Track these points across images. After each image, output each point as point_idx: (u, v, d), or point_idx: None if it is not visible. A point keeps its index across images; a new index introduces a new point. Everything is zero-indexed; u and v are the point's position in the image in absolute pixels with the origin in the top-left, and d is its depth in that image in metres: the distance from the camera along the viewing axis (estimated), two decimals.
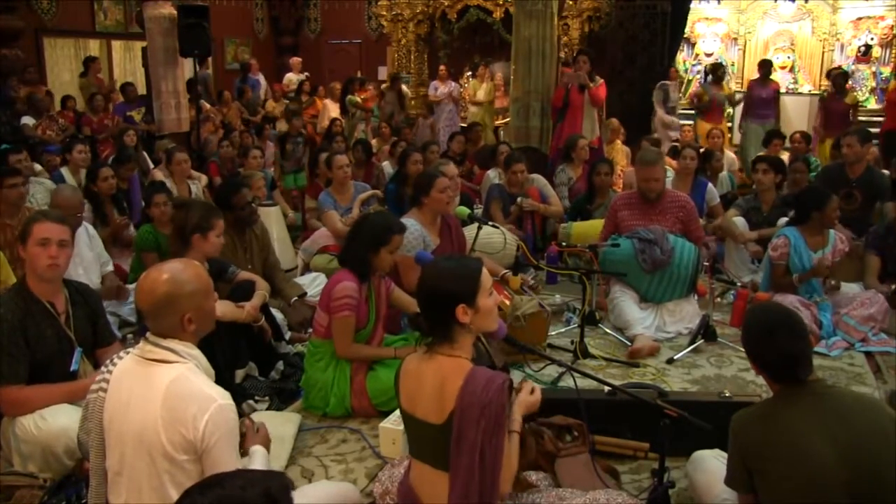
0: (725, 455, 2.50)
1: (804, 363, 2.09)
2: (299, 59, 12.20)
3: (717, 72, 9.07)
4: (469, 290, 2.10)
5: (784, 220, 5.02)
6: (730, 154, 7.58)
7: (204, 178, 6.62)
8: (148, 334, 2.02)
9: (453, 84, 10.74)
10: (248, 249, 4.30)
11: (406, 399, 2.19)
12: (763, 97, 8.94)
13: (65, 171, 6.08)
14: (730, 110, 10.65)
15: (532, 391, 2.24)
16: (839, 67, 9.81)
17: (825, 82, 10.23)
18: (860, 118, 8.96)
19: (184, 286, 1.98)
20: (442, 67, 10.87)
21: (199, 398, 1.89)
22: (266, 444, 2.28)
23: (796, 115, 9.96)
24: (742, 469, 2.13)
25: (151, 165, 7.39)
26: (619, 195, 4.87)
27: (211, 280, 2.13)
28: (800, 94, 10.85)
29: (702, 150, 6.43)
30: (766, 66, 9.12)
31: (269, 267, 4.40)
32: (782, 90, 9.89)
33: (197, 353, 2.03)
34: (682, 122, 9.27)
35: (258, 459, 2.22)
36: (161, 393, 1.90)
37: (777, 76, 10.95)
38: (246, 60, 12.17)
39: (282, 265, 4.70)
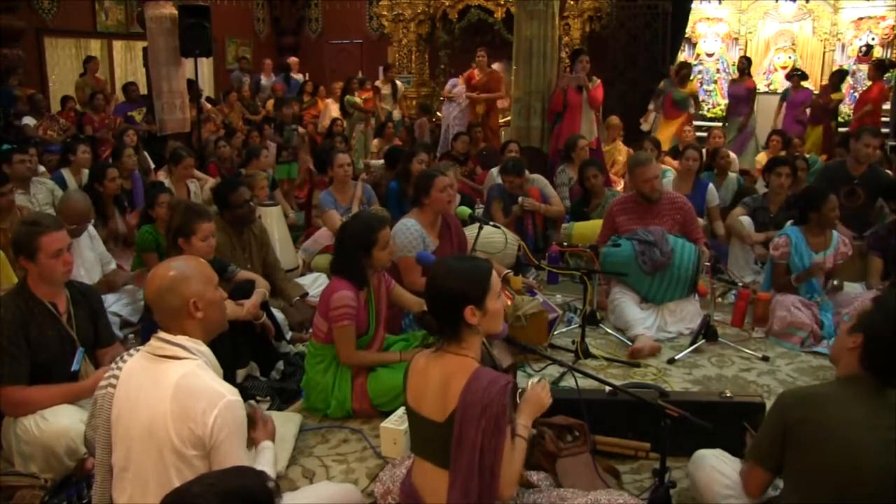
0: (727, 455, 2.51)
1: None
2: (296, 60, 12.20)
3: (681, 71, 9.05)
4: (479, 291, 2.10)
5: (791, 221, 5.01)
6: (731, 154, 7.57)
7: (211, 181, 6.59)
8: (158, 332, 2.04)
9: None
10: (247, 249, 4.28)
11: (412, 396, 2.20)
12: (736, 94, 9.14)
13: (65, 172, 6.06)
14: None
15: (542, 388, 2.26)
16: (842, 68, 9.91)
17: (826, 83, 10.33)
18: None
19: (187, 274, 2.05)
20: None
21: (209, 394, 1.91)
22: (273, 436, 2.29)
23: None
24: (776, 443, 2.14)
25: (153, 165, 7.40)
26: (616, 200, 4.83)
27: (215, 274, 2.16)
28: None
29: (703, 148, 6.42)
30: (742, 63, 9.30)
31: (268, 266, 4.39)
32: (783, 90, 9.91)
33: (206, 349, 2.06)
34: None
35: (266, 457, 2.23)
36: (170, 389, 1.91)
37: (778, 76, 10.98)
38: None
39: (283, 265, 4.70)
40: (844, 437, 2.02)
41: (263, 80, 11.64)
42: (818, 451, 2.05)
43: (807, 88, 9.34)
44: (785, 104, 9.22)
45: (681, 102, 8.78)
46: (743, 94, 9.01)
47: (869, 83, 9.20)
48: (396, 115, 10.40)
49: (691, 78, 9.21)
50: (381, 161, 7.44)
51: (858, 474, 1.99)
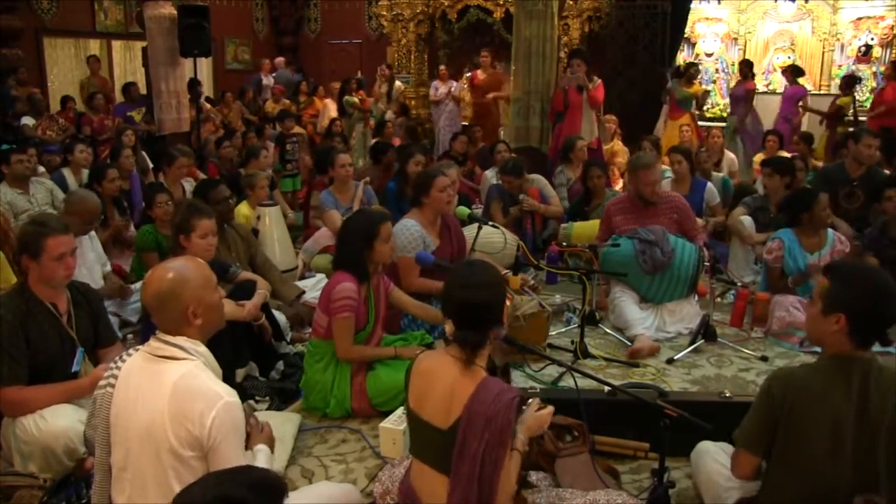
0: (730, 447, 2.52)
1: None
2: (282, 59, 12.20)
3: (687, 70, 9.10)
4: (504, 294, 2.15)
5: None
6: (729, 155, 7.56)
7: None
8: (157, 332, 2.03)
9: (454, 83, 10.66)
10: (232, 247, 4.26)
11: (414, 399, 2.19)
12: (735, 95, 9.22)
13: (66, 171, 6.06)
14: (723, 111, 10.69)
15: (540, 408, 2.26)
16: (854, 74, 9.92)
17: (825, 83, 10.35)
18: (860, 118, 9.03)
19: (185, 277, 2.02)
20: (442, 68, 10.79)
21: (207, 395, 1.91)
22: (270, 443, 2.29)
23: None
24: (765, 429, 2.17)
25: (151, 165, 7.39)
26: (612, 200, 4.83)
27: (213, 274, 2.14)
28: None
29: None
30: (743, 67, 9.37)
31: (258, 267, 4.36)
32: (782, 90, 9.93)
33: (204, 350, 2.05)
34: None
35: (261, 459, 2.22)
36: (168, 389, 1.91)
37: (777, 76, 10.98)
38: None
39: (283, 266, 4.69)
40: (835, 425, 2.06)
41: (264, 80, 11.62)
42: (809, 437, 2.09)
43: (801, 85, 9.32)
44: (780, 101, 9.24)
45: (683, 102, 8.82)
46: (741, 95, 9.05)
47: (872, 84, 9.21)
48: (390, 114, 10.36)
49: (696, 78, 9.23)
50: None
51: (846, 461, 2.03)
